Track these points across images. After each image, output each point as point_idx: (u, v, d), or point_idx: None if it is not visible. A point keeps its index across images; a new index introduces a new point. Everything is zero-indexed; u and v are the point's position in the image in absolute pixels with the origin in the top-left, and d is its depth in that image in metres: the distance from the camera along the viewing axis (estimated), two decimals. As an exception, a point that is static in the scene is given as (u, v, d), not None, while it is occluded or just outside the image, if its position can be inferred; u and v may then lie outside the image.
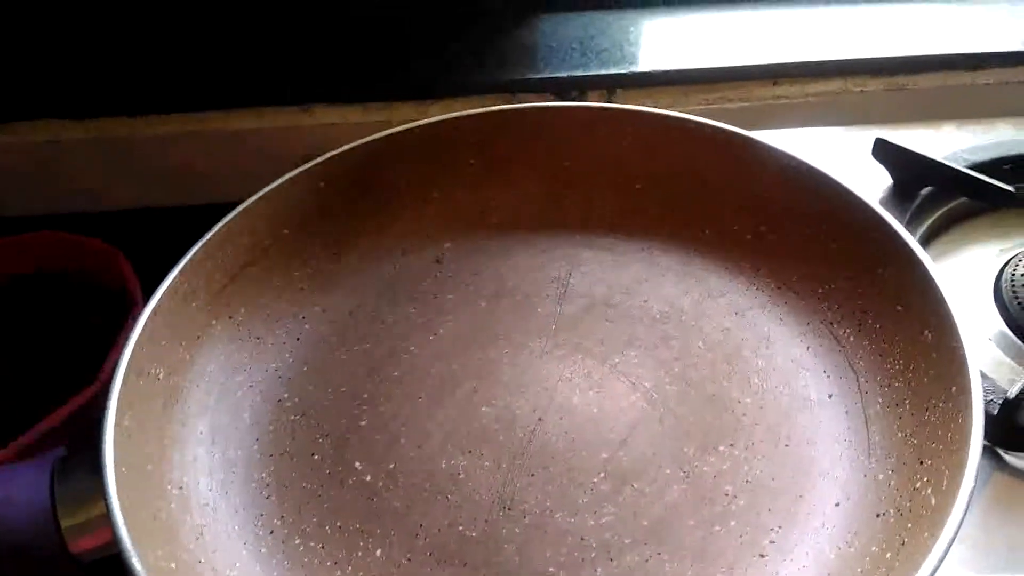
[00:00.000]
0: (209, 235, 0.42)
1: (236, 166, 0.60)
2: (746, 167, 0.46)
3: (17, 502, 0.34)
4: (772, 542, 0.36)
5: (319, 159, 0.46)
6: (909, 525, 0.34)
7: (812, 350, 0.42)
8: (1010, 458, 0.41)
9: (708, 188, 0.48)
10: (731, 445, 0.39)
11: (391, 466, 0.39)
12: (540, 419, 0.40)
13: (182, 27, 0.60)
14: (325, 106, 0.60)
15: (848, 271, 0.43)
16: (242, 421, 0.40)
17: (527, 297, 0.46)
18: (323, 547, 0.36)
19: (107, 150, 0.60)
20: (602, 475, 0.38)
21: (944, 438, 0.35)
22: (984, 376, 0.40)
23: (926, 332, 0.38)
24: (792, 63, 0.60)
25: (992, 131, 0.57)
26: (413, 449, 0.39)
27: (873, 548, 0.34)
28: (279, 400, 0.42)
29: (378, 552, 0.36)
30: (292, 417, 0.41)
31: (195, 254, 0.41)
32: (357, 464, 0.39)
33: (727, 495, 0.37)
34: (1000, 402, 0.40)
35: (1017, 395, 0.40)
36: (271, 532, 0.37)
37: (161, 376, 0.39)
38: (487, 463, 0.39)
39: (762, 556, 0.35)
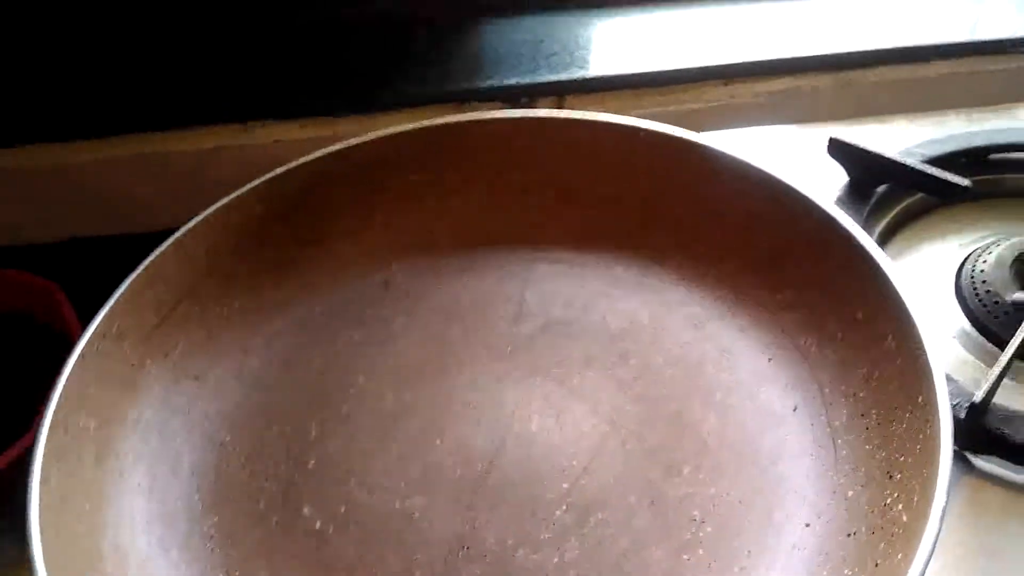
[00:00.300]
0: (137, 272, 0.40)
1: (174, 189, 0.58)
2: (700, 174, 0.45)
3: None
4: (743, 568, 0.34)
5: (254, 183, 0.44)
6: (882, 546, 0.33)
7: (774, 361, 0.41)
8: (979, 462, 0.40)
9: (663, 196, 0.46)
10: (696, 468, 0.38)
11: (341, 510, 0.37)
12: (498, 450, 0.39)
13: (111, 46, 0.58)
14: (265, 122, 0.58)
15: (807, 279, 0.42)
16: (182, 469, 0.38)
17: (481, 318, 0.44)
18: (272, 602, 0.34)
19: (36, 179, 0.58)
20: (564, 508, 0.36)
21: (912, 450, 0.34)
22: (949, 379, 0.39)
23: (889, 339, 0.37)
24: (742, 63, 0.59)
25: (943, 124, 0.57)
26: (364, 491, 0.37)
27: (846, 571, 0.33)
28: (221, 443, 0.39)
29: (331, 604, 0.34)
30: (235, 462, 0.39)
31: (122, 294, 0.39)
32: (305, 510, 0.37)
33: (694, 520, 0.36)
34: (967, 406, 0.39)
35: (983, 398, 0.39)
36: (216, 588, 0.35)
37: (92, 428, 0.36)
38: (443, 500, 0.37)
39: (733, 584, 0.34)
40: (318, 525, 0.36)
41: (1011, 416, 0.39)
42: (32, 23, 0.56)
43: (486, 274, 0.46)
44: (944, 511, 0.31)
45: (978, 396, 0.39)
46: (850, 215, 0.40)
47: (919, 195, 0.51)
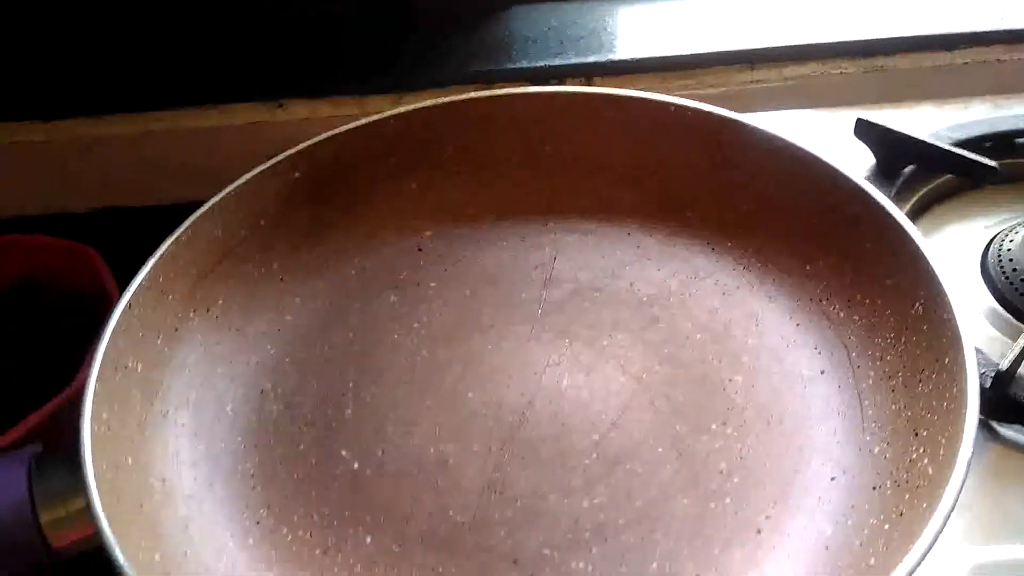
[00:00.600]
0: (183, 228, 0.41)
1: (206, 164, 0.59)
2: (728, 148, 0.46)
3: (-6, 499, 0.33)
4: (768, 518, 0.35)
5: (294, 149, 0.46)
6: (907, 496, 0.33)
7: (802, 327, 0.42)
8: (1003, 430, 0.41)
9: (691, 170, 0.47)
10: (723, 424, 0.38)
11: (378, 454, 0.38)
12: (529, 403, 0.39)
13: (149, 24, 0.59)
14: (296, 100, 0.59)
15: (836, 247, 0.42)
16: (225, 414, 0.39)
17: (511, 283, 0.45)
18: (311, 536, 0.35)
19: (73, 151, 0.59)
20: (594, 456, 0.37)
21: (939, 408, 0.35)
22: (977, 350, 0.40)
23: (916, 304, 0.38)
24: (769, 47, 0.60)
25: (969, 110, 0.57)
26: (400, 437, 0.38)
27: (871, 520, 0.33)
28: (262, 391, 0.41)
29: (368, 540, 0.35)
30: (276, 408, 0.40)
31: (168, 248, 0.40)
32: (344, 453, 0.38)
33: (721, 473, 0.37)
34: (992, 375, 0.40)
35: (1009, 367, 0.39)
36: (257, 523, 0.36)
37: (139, 370, 0.38)
38: (476, 448, 0.38)
39: (758, 532, 0.35)
40: (356, 466, 0.37)
41: (1037, 386, 0.40)
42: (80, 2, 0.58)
43: (516, 242, 0.47)
44: (969, 462, 0.31)
45: (1004, 364, 0.40)
46: (878, 193, 0.41)
47: (944, 178, 0.52)
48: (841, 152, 0.51)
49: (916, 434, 0.35)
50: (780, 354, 0.41)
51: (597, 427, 0.38)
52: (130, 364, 0.37)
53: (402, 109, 0.48)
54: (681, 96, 0.59)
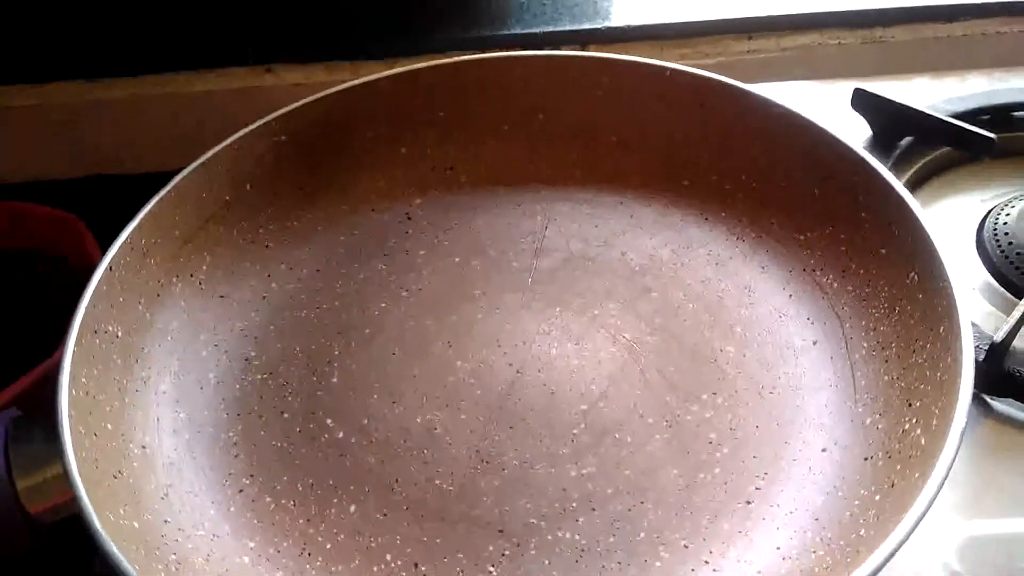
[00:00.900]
0: (165, 190, 0.40)
1: (196, 131, 0.58)
2: (725, 115, 0.45)
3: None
4: (758, 489, 0.35)
5: (280, 111, 0.45)
6: (899, 467, 0.33)
7: (795, 298, 0.41)
8: (997, 404, 0.40)
9: (686, 137, 0.46)
10: (714, 394, 0.38)
11: (364, 422, 0.37)
12: (518, 372, 0.39)
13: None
14: (287, 65, 0.58)
15: (831, 216, 0.42)
16: (207, 381, 0.39)
17: (502, 252, 0.45)
18: (294, 504, 0.35)
19: (62, 115, 0.58)
20: (583, 426, 0.37)
21: (933, 379, 0.34)
22: (971, 325, 0.40)
23: (911, 274, 0.38)
24: (767, 16, 0.59)
25: (966, 82, 0.56)
26: (387, 405, 0.38)
27: (862, 491, 0.33)
28: (246, 359, 0.40)
29: (352, 508, 0.34)
30: (260, 376, 0.39)
31: (151, 209, 0.39)
32: (329, 421, 0.37)
33: (711, 443, 0.36)
34: (987, 347, 0.39)
35: (1004, 339, 0.39)
36: (240, 491, 0.35)
37: (120, 335, 0.37)
38: (464, 417, 0.37)
39: (748, 503, 0.34)
40: (340, 435, 0.37)
41: (1031, 359, 0.39)
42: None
43: (507, 211, 0.47)
44: (964, 431, 0.31)
45: (998, 337, 0.39)
46: (874, 163, 0.41)
47: (941, 151, 0.51)
48: (838, 124, 0.51)
49: (909, 405, 0.35)
50: (772, 325, 0.40)
51: (586, 397, 0.38)
52: (111, 328, 0.36)
53: (393, 71, 0.47)
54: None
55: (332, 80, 0.58)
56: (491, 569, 0.33)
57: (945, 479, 0.30)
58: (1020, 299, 0.43)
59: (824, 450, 0.36)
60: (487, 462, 0.36)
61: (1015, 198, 0.48)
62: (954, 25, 0.59)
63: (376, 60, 0.58)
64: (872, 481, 0.33)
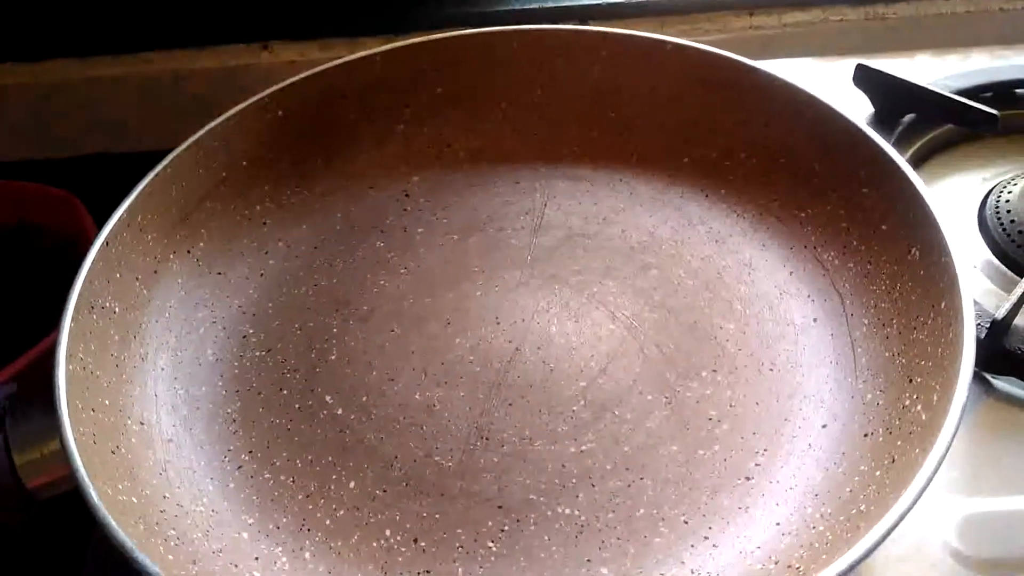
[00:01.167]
0: (161, 166, 0.40)
1: (194, 108, 0.58)
2: (726, 90, 0.45)
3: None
4: (757, 465, 0.35)
5: (276, 87, 0.44)
6: (899, 443, 0.33)
7: (795, 275, 0.41)
8: (998, 383, 0.40)
9: (686, 114, 0.46)
10: (714, 371, 0.38)
11: (363, 399, 0.37)
12: (517, 349, 0.39)
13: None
14: (284, 43, 0.58)
15: (832, 192, 0.42)
16: (206, 357, 0.39)
17: (500, 229, 0.44)
18: (293, 480, 0.35)
19: (55, 93, 0.57)
20: (582, 403, 0.37)
21: (934, 355, 0.34)
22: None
23: (912, 250, 0.37)
24: (769, -8, 0.58)
25: (967, 60, 0.56)
26: (385, 382, 0.38)
27: (862, 467, 0.33)
28: (244, 336, 0.40)
29: (351, 484, 0.34)
30: (258, 353, 0.39)
31: (147, 186, 0.39)
32: (327, 398, 0.37)
33: (711, 420, 0.36)
34: (988, 325, 0.39)
35: (1005, 316, 0.39)
36: (239, 467, 0.35)
37: (117, 311, 0.37)
38: (462, 394, 0.37)
39: (747, 479, 0.34)
40: (339, 412, 0.37)
41: (1032, 338, 0.39)
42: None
43: (505, 188, 0.46)
44: (965, 406, 0.31)
45: (999, 314, 0.39)
46: (876, 139, 0.40)
47: (943, 128, 0.51)
48: (840, 100, 0.50)
49: (910, 381, 0.35)
50: (773, 302, 0.40)
51: (585, 373, 0.38)
52: (108, 305, 0.36)
53: (390, 46, 0.46)
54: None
55: (328, 57, 0.57)
56: (490, 544, 0.33)
57: (945, 455, 0.30)
58: (1021, 277, 0.43)
59: (824, 426, 0.36)
60: (486, 438, 0.36)
61: (1017, 176, 0.48)
62: (956, 2, 0.59)
63: (373, 36, 0.58)
64: (872, 457, 0.33)
